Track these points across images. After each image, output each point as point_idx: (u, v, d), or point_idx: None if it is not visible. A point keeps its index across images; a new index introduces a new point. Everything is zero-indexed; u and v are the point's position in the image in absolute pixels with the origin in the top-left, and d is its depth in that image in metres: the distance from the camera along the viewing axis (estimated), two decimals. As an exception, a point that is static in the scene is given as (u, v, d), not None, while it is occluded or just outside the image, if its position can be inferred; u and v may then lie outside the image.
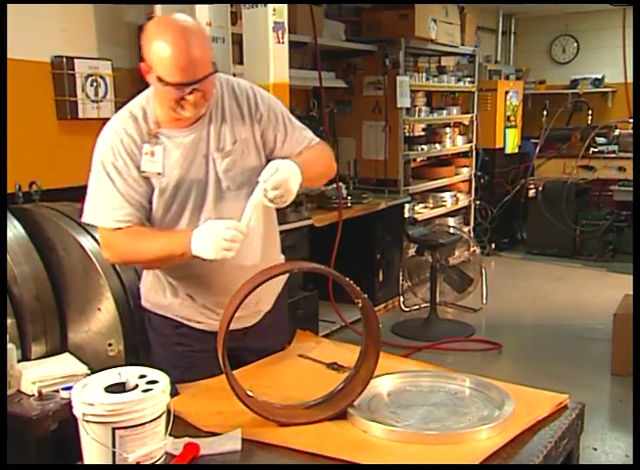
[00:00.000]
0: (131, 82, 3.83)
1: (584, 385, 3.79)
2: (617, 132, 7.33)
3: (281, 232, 2.13)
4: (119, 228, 1.79)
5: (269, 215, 1.96)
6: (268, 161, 1.81)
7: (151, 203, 1.83)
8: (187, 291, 1.91)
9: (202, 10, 3.42)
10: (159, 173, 1.79)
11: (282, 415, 1.55)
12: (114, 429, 1.26)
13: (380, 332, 1.63)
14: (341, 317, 4.61)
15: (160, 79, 1.67)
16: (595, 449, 3.22)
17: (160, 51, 1.64)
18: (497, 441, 1.42)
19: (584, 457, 2.96)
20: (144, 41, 1.69)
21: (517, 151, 7.46)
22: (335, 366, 1.85)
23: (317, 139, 1.98)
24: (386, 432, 1.45)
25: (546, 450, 1.43)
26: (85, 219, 1.85)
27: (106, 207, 1.79)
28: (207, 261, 1.68)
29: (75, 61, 3.44)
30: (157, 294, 1.95)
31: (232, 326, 1.52)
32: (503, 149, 7.20)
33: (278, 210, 1.93)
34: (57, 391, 2.10)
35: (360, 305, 1.59)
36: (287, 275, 1.99)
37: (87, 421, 1.26)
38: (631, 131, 7.23)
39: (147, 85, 1.82)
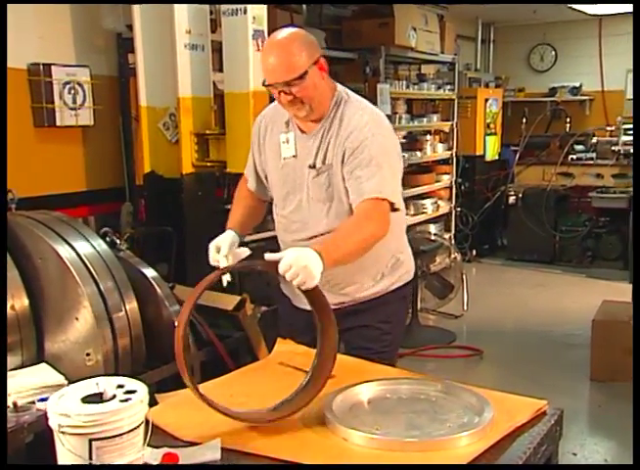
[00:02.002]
0: (110, 89, 3.81)
1: (564, 390, 3.81)
2: (594, 140, 7.43)
3: (264, 240, 2.14)
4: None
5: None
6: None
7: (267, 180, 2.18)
8: None
9: (181, 17, 3.41)
10: (294, 156, 2.06)
11: (250, 419, 1.55)
12: (90, 440, 1.24)
13: (332, 317, 1.68)
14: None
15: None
16: (575, 455, 3.24)
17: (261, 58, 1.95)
18: (477, 447, 1.43)
19: (564, 463, 2.98)
20: None
21: (497, 158, 7.53)
22: (315, 374, 1.84)
23: (376, 195, 1.91)
24: (366, 439, 1.45)
25: (525, 457, 1.43)
26: None
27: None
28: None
29: (53, 68, 3.41)
30: None
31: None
32: (483, 156, 7.26)
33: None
34: (33, 402, 2.06)
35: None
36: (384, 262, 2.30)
37: (63, 433, 1.24)
38: (608, 138, 7.34)
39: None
